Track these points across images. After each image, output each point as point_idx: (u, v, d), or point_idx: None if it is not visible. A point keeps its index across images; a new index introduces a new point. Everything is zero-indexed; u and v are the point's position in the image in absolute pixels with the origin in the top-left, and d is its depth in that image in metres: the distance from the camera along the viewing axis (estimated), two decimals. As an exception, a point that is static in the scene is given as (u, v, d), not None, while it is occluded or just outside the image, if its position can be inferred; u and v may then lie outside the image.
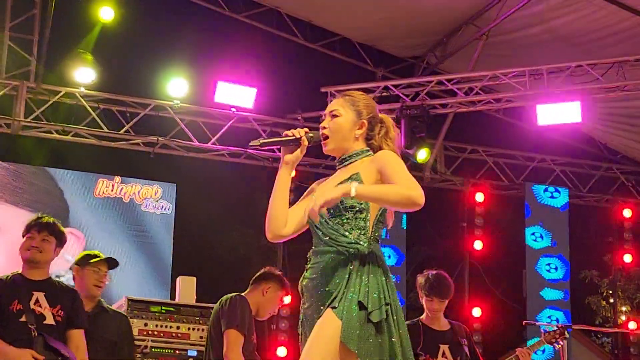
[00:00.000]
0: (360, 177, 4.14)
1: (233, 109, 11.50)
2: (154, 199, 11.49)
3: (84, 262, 6.57)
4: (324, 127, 4.34)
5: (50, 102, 11.16)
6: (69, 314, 6.09)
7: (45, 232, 6.21)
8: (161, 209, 11.51)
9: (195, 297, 9.23)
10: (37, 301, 5.98)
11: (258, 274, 6.84)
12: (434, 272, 6.75)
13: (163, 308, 8.43)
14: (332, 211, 4.13)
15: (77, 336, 6.07)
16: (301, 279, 4.25)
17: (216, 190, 11.36)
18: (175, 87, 11.11)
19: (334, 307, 3.95)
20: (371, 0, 11.35)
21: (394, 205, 4.05)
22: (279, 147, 4.33)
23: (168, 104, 11.33)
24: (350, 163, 4.28)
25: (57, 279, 6.46)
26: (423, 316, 6.73)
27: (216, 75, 11.25)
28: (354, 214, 4.13)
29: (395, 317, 4.02)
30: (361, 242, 4.10)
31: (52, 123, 11.15)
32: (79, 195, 11.22)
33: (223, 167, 11.75)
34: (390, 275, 4.12)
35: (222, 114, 11.57)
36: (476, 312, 12.31)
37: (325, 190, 3.97)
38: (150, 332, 8.14)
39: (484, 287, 13.17)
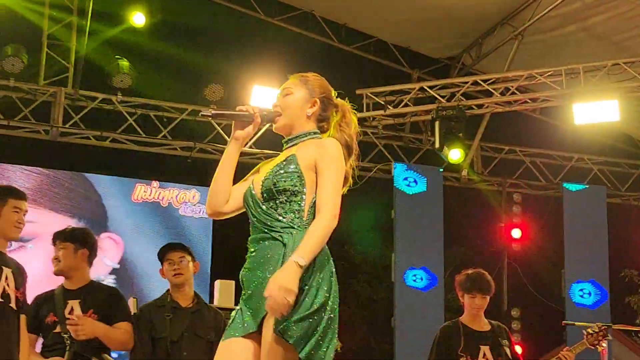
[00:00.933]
0: (296, 158, 4.05)
1: (269, 112, 11.50)
2: (192, 203, 11.54)
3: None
4: (276, 106, 4.24)
5: (88, 108, 11.24)
6: (106, 313, 6.12)
7: (58, 240, 6.24)
8: (199, 213, 11.55)
9: (234, 301, 9.25)
10: (71, 310, 6.01)
11: None
12: (473, 269, 6.74)
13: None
14: (265, 195, 4.02)
15: (123, 327, 6.15)
16: (242, 268, 4.11)
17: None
18: (212, 91, 11.15)
19: None
20: (406, 1, 11.34)
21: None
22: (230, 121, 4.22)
23: (204, 108, 11.36)
24: (295, 144, 4.17)
25: (97, 281, 6.49)
26: (463, 316, 6.71)
27: (252, 79, 11.27)
28: (287, 197, 4.01)
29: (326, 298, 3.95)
30: (295, 226, 3.99)
31: (90, 129, 11.24)
32: (117, 201, 11.30)
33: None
34: (330, 260, 4.01)
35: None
36: (515, 312, 12.27)
37: (274, 301, 3.74)
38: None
39: (523, 288, 13.10)
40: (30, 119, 11.10)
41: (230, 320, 4.08)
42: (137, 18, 10.90)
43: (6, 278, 5.75)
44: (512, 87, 11.47)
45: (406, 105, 11.80)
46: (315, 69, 11.66)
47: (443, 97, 11.65)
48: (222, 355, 4.02)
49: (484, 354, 6.58)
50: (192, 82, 11.17)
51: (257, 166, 4.30)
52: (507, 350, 6.63)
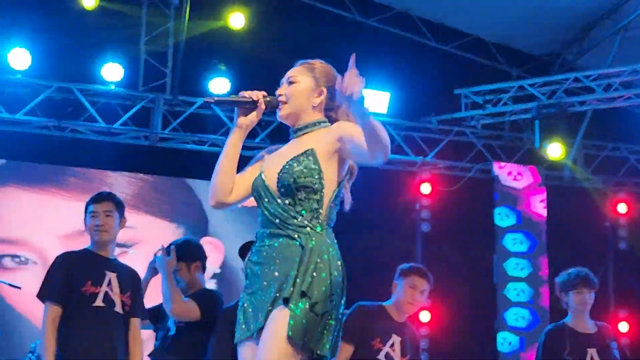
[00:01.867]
0: (315, 153, 3.95)
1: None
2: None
3: None
4: (280, 94, 4.14)
5: (186, 113, 11.32)
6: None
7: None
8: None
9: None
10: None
11: None
12: (574, 268, 6.58)
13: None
14: (282, 190, 3.92)
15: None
16: (246, 261, 4.05)
17: (352, 196, 11.29)
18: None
19: (286, 301, 3.75)
20: (504, -2, 11.21)
21: (378, 143, 3.75)
22: (232, 107, 4.14)
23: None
24: (305, 134, 4.08)
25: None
26: (568, 319, 6.56)
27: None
28: (307, 194, 3.91)
29: (335, 303, 3.81)
30: (313, 226, 3.89)
31: (189, 134, 11.32)
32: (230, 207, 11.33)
33: (358, 172, 11.69)
34: (341, 261, 3.89)
35: (356, 119, 11.53)
36: (622, 313, 12.01)
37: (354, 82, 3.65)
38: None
39: (630, 289, 12.79)
40: (130, 125, 11.23)
41: (237, 322, 3.97)
42: (235, 21, 10.93)
43: (109, 283, 5.82)
44: (615, 82, 11.22)
45: (505, 104, 11.65)
46: (413, 69, 11.63)
47: (543, 94, 11.46)
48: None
49: (592, 357, 6.42)
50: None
51: (260, 155, 4.25)
52: (616, 353, 6.47)
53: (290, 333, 3.68)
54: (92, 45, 10.93)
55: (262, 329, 3.81)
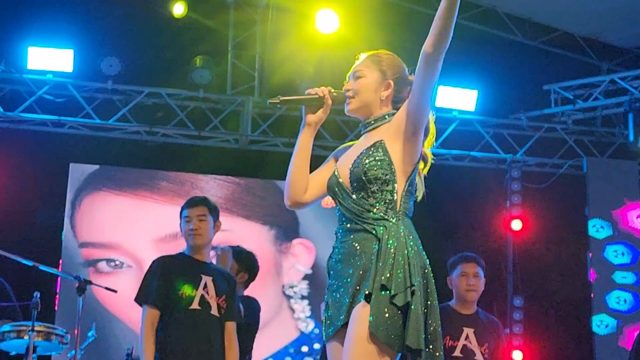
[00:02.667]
0: (384, 144, 3.92)
1: (455, 112, 11.42)
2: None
3: None
4: (348, 89, 4.09)
5: (275, 116, 11.39)
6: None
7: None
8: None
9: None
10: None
11: None
12: None
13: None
14: (355, 185, 3.90)
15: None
16: (329, 258, 4.00)
17: (441, 195, 11.27)
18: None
19: (367, 297, 3.70)
20: (592, -9, 11.06)
21: (445, 29, 3.96)
22: (299, 105, 4.11)
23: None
24: (375, 128, 4.04)
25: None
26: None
27: (438, 80, 11.17)
28: (379, 186, 3.87)
29: (421, 293, 3.76)
30: (389, 218, 3.85)
31: (278, 136, 11.38)
32: (308, 207, 11.37)
33: (447, 171, 11.67)
34: (421, 250, 3.84)
35: (444, 117, 11.50)
36: None
37: None
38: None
39: None
40: (220, 128, 11.34)
41: (324, 321, 3.98)
42: (323, 25, 10.95)
43: (205, 286, 5.89)
44: None
45: (596, 98, 11.50)
46: (501, 66, 11.53)
47: (635, 88, 11.29)
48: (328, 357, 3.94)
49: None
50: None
51: (334, 153, 4.22)
52: None
53: (371, 329, 3.66)
54: (181, 50, 11.09)
55: (345, 325, 3.80)
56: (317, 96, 4.06)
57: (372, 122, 4.08)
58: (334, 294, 3.90)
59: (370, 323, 3.67)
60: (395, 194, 3.90)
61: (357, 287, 3.79)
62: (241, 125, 11.32)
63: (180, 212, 6.08)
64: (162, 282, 5.89)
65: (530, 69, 11.77)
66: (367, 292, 3.72)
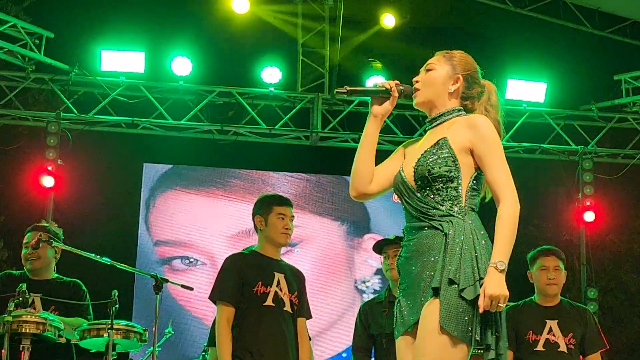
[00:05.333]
0: (448, 141, 3.91)
1: (524, 105, 11.38)
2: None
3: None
4: (417, 81, 4.09)
5: (345, 112, 11.44)
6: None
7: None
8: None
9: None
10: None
11: None
12: None
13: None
14: (419, 183, 3.89)
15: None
16: (397, 257, 4.01)
17: (516, 187, 11.25)
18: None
19: (436, 291, 3.71)
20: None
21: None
22: (367, 97, 4.12)
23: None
24: (440, 123, 4.04)
25: None
26: None
27: (505, 72, 11.17)
28: (443, 183, 3.86)
29: None
30: (454, 214, 3.84)
31: (348, 132, 11.43)
32: (377, 201, 11.44)
33: (518, 163, 11.64)
34: (491, 245, 3.79)
35: (513, 110, 11.46)
36: None
37: (491, 288, 3.66)
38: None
39: None
40: (290, 125, 11.42)
41: (394, 317, 3.98)
42: (387, 20, 11.03)
43: (278, 283, 5.95)
44: None
45: (668, 87, 11.39)
46: (569, 57, 11.44)
47: None
48: (398, 357, 3.95)
49: None
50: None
51: (400, 148, 4.21)
52: None
53: (441, 323, 3.68)
54: (250, 49, 11.19)
55: (417, 324, 3.82)
56: (383, 88, 4.09)
57: (438, 117, 4.07)
58: (405, 292, 3.93)
59: (440, 318, 3.69)
60: (460, 190, 3.90)
61: (427, 283, 3.81)
62: (311, 122, 11.39)
63: (268, 207, 6.06)
64: (237, 279, 5.94)
65: (600, 60, 11.67)
66: (435, 287, 3.74)
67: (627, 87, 11.57)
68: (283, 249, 6.27)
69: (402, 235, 4.03)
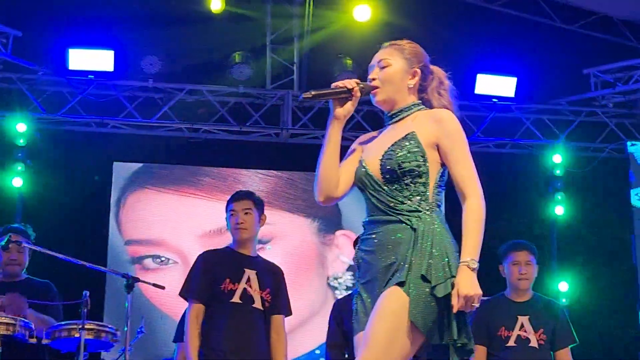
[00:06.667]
0: (416, 136, 3.88)
1: (495, 100, 11.40)
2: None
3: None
4: (373, 79, 4.05)
5: (315, 109, 11.43)
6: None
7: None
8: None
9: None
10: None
11: None
12: None
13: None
14: (388, 177, 3.86)
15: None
16: (356, 250, 3.99)
17: (483, 183, 11.26)
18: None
19: (400, 283, 3.68)
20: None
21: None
22: (327, 99, 4.08)
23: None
24: (402, 118, 4.00)
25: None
26: None
27: (475, 68, 11.19)
28: (412, 178, 3.84)
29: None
30: (422, 210, 3.82)
31: (319, 129, 11.42)
32: (350, 198, 11.42)
33: (489, 158, 11.67)
34: (454, 244, 3.82)
35: (483, 105, 11.49)
36: None
37: (465, 288, 3.65)
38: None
39: None
40: (261, 123, 11.40)
41: (354, 312, 3.93)
42: (360, 14, 10.97)
43: (248, 279, 5.93)
44: None
45: (637, 81, 11.44)
46: (539, 52, 11.46)
47: (677, 70, 11.22)
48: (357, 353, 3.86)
49: None
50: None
51: (355, 145, 4.18)
52: None
53: (412, 318, 3.65)
54: (220, 47, 11.14)
55: None
56: (345, 88, 4.03)
57: (399, 112, 4.06)
58: (367, 285, 3.89)
59: (410, 312, 3.66)
60: (427, 186, 3.89)
61: (390, 278, 3.77)
62: (282, 119, 11.38)
63: (226, 207, 6.14)
64: (205, 276, 5.96)
65: (569, 54, 11.70)
66: (401, 281, 3.71)
67: (596, 80, 11.63)
68: (257, 246, 6.28)
69: (363, 228, 3.99)
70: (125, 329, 6.23)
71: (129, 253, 11.04)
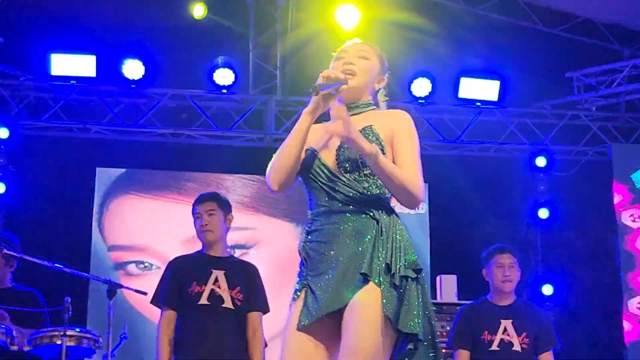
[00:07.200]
0: (374, 129, 3.85)
1: (478, 103, 11.39)
2: (407, 199, 11.48)
3: None
4: (351, 64, 3.99)
5: (298, 113, 11.39)
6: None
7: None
8: (415, 209, 11.54)
9: (456, 295, 9.21)
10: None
11: None
12: None
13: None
14: (346, 166, 3.80)
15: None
16: (304, 242, 3.87)
17: (467, 186, 11.30)
18: (418, 86, 11.09)
19: (368, 277, 3.63)
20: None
21: (393, 191, 3.75)
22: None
23: (413, 104, 11.34)
24: (357, 113, 3.95)
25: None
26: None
27: (458, 71, 11.20)
28: (369, 171, 3.79)
29: (420, 282, 3.74)
30: (382, 202, 3.79)
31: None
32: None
33: (473, 161, 11.69)
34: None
35: (468, 109, 11.50)
36: None
37: (349, 127, 3.65)
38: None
39: None
40: (244, 127, 11.38)
41: (303, 306, 3.78)
42: (344, 20, 10.94)
43: (216, 280, 5.93)
44: None
45: (619, 84, 11.47)
46: (522, 56, 11.48)
47: (658, 72, 11.26)
48: (294, 350, 3.76)
49: None
50: (399, 77, 11.15)
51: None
52: None
53: (386, 312, 3.62)
54: (202, 52, 11.13)
55: (335, 312, 3.70)
56: (341, 79, 3.93)
57: (357, 106, 4.02)
58: (320, 278, 3.77)
59: (384, 305, 3.62)
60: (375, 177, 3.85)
61: (353, 270, 3.71)
62: (265, 124, 11.36)
63: (192, 211, 6.16)
64: (174, 282, 6.00)
65: (552, 57, 11.74)
66: (365, 273, 3.66)
67: (579, 84, 11.66)
68: (239, 251, 6.30)
69: (312, 219, 3.90)
70: (108, 335, 6.20)
71: (112, 259, 11.00)
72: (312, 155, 3.93)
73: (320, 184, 3.86)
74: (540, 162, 11.63)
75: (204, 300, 5.94)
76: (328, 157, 3.89)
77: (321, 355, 3.74)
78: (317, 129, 4.02)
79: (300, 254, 3.90)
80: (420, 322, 3.68)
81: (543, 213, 11.56)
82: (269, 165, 3.99)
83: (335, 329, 3.71)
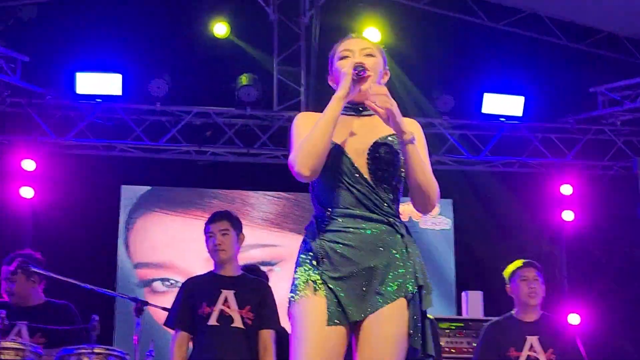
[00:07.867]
0: (397, 140, 3.71)
1: (502, 119, 11.38)
2: (432, 215, 11.50)
3: None
4: (364, 63, 3.78)
5: (322, 130, 11.41)
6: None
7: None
8: (439, 224, 11.53)
9: (482, 311, 9.18)
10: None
11: None
12: None
13: (452, 324, 8.42)
14: (379, 174, 3.69)
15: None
16: (320, 239, 3.77)
17: (492, 202, 11.28)
18: (443, 102, 11.11)
19: (396, 294, 3.60)
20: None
21: (416, 186, 3.64)
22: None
23: (437, 120, 11.34)
24: (370, 115, 3.80)
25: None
26: None
27: (482, 87, 11.20)
28: (397, 182, 3.74)
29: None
30: (399, 216, 3.72)
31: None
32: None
33: (497, 177, 11.67)
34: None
35: (491, 124, 11.48)
36: None
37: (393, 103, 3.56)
38: (442, 349, 8.14)
39: None
40: (268, 144, 11.40)
41: (329, 306, 3.65)
42: (369, 36, 10.95)
43: (225, 300, 5.94)
44: None
45: (645, 98, 11.44)
46: (546, 71, 11.44)
47: (683, 87, 11.21)
48: (319, 346, 3.63)
49: None
50: (424, 94, 11.17)
51: (308, 120, 3.95)
52: None
53: (411, 330, 3.61)
54: (227, 69, 11.17)
55: (360, 321, 3.65)
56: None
57: (365, 107, 3.84)
58: (344, 282, 3.65)
59: (409, 325, 3.62)
60: (400, 194, 3.83)
61: (379, 282, 3.65)
62: (289, 141, 11.35)
63: (204, 229, 6.18)
64: (185, 303, 6.03)
65: (576, 72, 11.70)
66: (393, 288, 3.63)
67: (603, 99, 11.62)
68: (265, 268, 6.32)
69: (331, 217, 3.79)
70: (135, 352, 6.22)
71: (138, 276, 11.05)
72: (339, 151, 3.76)
73: (348, 185, 3.72)
74: (565, 177, 11.59)
75: (213, 321, 5.96)
76: (358, 160, 3.74)
77: (337, 355, 3.65)
78: (341, 122, 3.83)
79: (311, 248, 3.81)
80: (431, 344, 3.69)
81: (568, 228, 11.52)
82: (295, 152, 3.76)
83: (347, 335, 3.66)
